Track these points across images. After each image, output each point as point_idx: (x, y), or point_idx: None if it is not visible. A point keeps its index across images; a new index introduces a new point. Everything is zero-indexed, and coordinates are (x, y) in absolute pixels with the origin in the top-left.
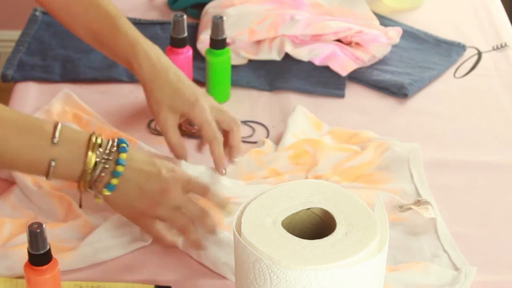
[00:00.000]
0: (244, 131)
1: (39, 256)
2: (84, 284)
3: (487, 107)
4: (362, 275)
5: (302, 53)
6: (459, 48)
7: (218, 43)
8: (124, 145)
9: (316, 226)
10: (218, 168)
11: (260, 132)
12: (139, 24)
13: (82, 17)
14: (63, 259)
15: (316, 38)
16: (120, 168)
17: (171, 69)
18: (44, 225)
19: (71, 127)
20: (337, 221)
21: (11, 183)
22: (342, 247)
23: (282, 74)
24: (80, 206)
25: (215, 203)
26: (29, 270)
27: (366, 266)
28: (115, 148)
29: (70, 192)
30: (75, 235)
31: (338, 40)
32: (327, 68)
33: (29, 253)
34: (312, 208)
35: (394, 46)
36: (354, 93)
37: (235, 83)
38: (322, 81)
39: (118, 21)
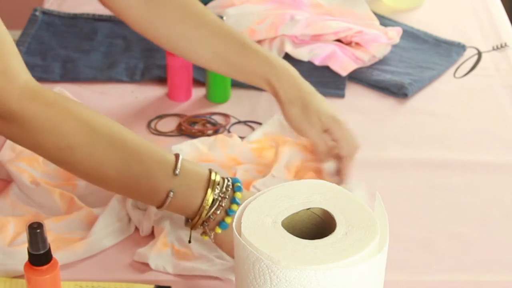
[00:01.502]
0: (244, 131)
1: (39, 256)
2: (84, 284)
3: (487, 107)
4: (362, 275)
5: (302, 53)
6: (459, 48)
7: None
8: (239, 184)
9: (316, 226)
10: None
11: None
12: None
13: (208, 41)
14: (75, 249)
15: (316, 38)
16: (235, 207)
17: (307, 87)
18: (44, 225)
19: (190, 160)
20: (337, 221)
21: (7, 182)
22: (342, 247)
23: None
24: (189, 242)
25: None
26: (29, 270)
27: (366, 266)
28: (230, 188)
29: (66, 189)
30: (81, 226)
31: (338, 40)
32: (327, 68)
33: (29, 253)
34: (312, 208)
35: (394, 46)
36: (354, 93)
37: (235, 83)
38: (322, 81)
39: (245, 40)
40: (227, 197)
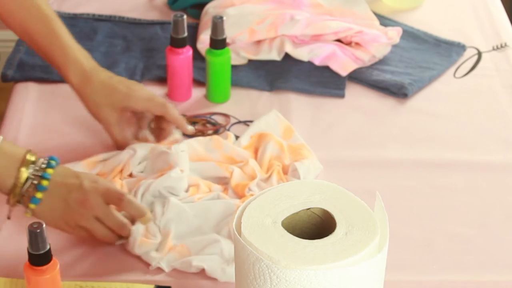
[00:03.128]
0: (244, 131)
1: (39, 256)
2: (84, 284)
3: (487, 107)
4: (362, 275)
5: (302, 53)
6: (459, 48)
7: (218, 43)
8: (53, 162)
9: (316, 226)
10: (183, 128)
11: None
12: (139, 24)
13: (16, 15)
14: None
15: (316, 38)
16: (44, 182)
17: (99, 70)
18: (44, 225)
19: (12, 143)
20: (337, 221)
21: None
22: (342, 247)
23: (282, 74)
24: (9, 218)
25: (131, 213)
26: (29, 270)
27: (366, 266)
28: (44, 165)
29: None
30: None
31: (338, 40)
32: (327, 68)
33: (29, 253)
34: (312, 208)
35: (394, 46)
36: (354, 93)
37: (235, 83)
38: (322, 81)
39: (54, 24)
40: (40, 174)
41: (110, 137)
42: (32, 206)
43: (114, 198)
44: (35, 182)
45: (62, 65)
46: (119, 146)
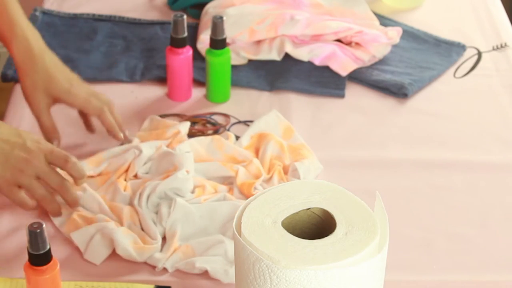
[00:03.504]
0: (244, 131)
1: (39, 256)
2: (84, 284)
3: (487, 107)
4: (362, 275)
5: (302, 53)
6: (459, 48)
7: (218, 43)
8: None
9: (316, 226)
10: (114, 135)
11: None
12: (139, 24)
13: None
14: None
15: (316, 38)
16: None
17: (47, 53)
18: (44, 225)
19: None
20: (337, 221)
21: None
22: (342, 247)
23: (282, 74)
24: None
25: (73, 174)
26: (29, 270)
27: (366, 266)
28: None
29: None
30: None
31: (338, 40)
32: (327, 68)
33: (29, 253)
34: (312, 208)
35: (394, 46)
36: (354, 93)
37: (235, 83)
38: (322, 81)
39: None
40: None
41: (37, 122)
42: None
43: (60, 159)
44: None
45: (9, 40)
46: (46, 132)
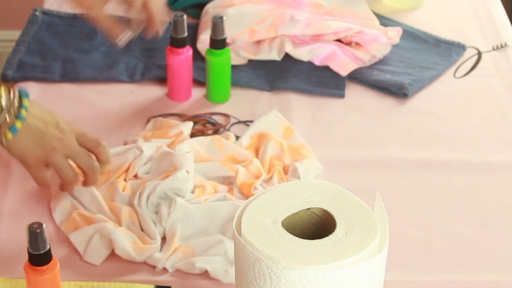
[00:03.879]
0: (244, 131)
1: (39, 256)
2: (84, 284)
3: (487, 107)
4: (362, 275)
5: (302, 53)
6: (459, 48)
7: (218, 43)
8: (26, 92)
9: (316, 226)
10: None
11: None
12: None
13: None
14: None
15: (316, 38)
16: (23, 112)
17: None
18: (44, 225)
19: None
20: (337, 221)
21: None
22: (342, 247)
23: (282, 74)
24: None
25: (101, 158)
26: (29, 270)
27: (366, 266)
28: (17, 96)
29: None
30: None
31: (338, 40)
32: (327, 68)
33: (29, 253)
34: (312, 208)
35: (394, 46)
36: (354, 93)
37: (235, 83)
38: (322, 81)
39: None
40: (15, 103)
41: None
42: (9, 134)
43: (92, 141)
44: (11, 112)
45: None
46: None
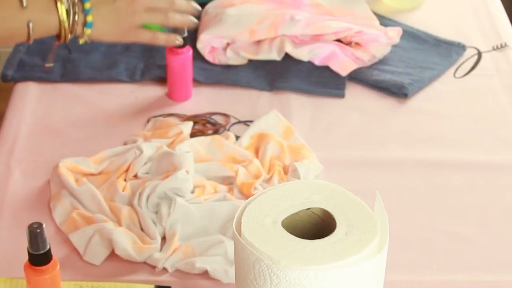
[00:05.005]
0: (244, 131)
1: (39, 256)
2: (84, 284)
3: (487, 107)
4: (362, 275)
5: (302, 53)
6: (459, 48)
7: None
8: None
9: (316, 226)
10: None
11: None
12: None
13: None
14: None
15: (316, 38)
16: (87, 5)
17: None
18: (44, 225)
19: None
20: (337, 221)
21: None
22: (342, 247)
23: (282, 74)
24: (51, 62)
25: (185, 9)
26: (29, 270)
27: (366, 266)
28: None
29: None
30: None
31: (338, 40)
32: (327, 68)
33: (29, 253)
34: (312, 208)
35: (394, 46)
36: (354, 93)
37: (235, 83)
38: (322, 81)
39: None
40: (76, 1)
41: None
42: (87, 31)
43: None
44: (77, 9)
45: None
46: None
